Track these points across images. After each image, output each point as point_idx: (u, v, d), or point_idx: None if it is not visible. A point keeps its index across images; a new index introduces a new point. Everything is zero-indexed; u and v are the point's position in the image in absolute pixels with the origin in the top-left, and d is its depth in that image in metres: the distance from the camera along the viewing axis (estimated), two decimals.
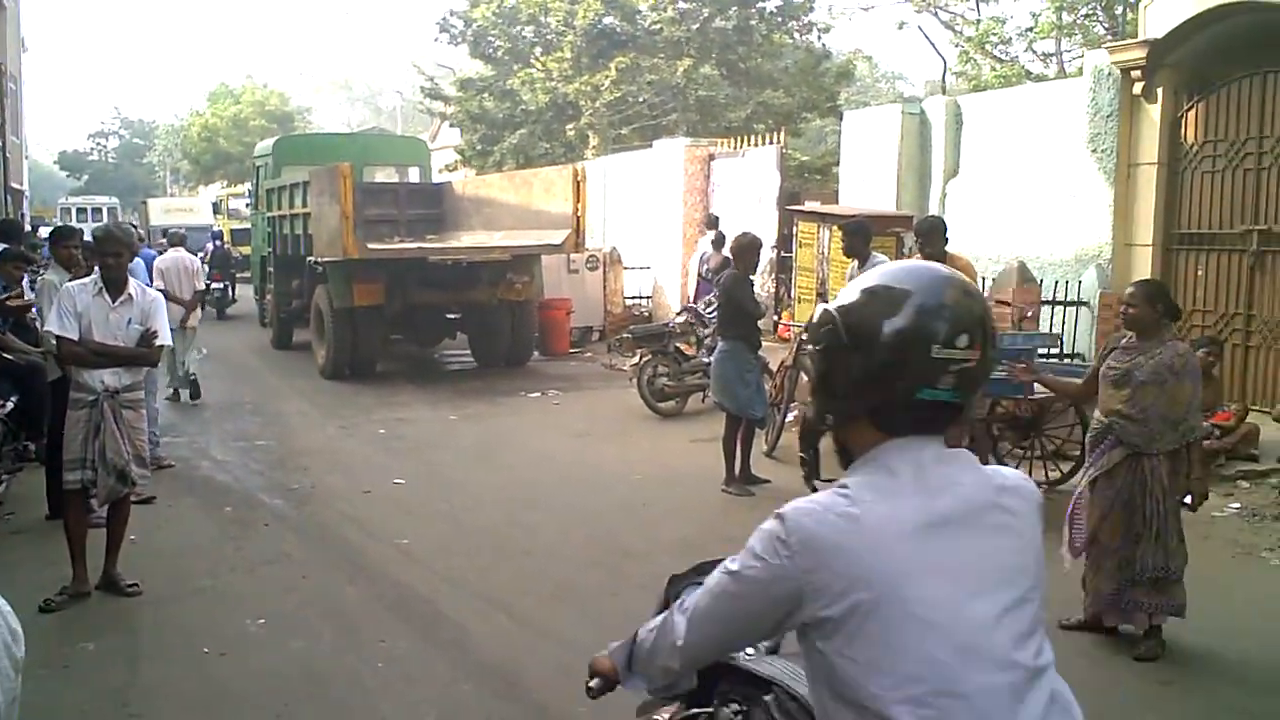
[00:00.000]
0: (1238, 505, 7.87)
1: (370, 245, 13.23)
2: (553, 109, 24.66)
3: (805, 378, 9.61)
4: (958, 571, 1.78)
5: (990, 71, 26.11)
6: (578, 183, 13.37)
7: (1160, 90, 10.43)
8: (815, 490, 9.17)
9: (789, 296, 11.98)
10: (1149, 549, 5.23)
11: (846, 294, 1.94)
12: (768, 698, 2.28)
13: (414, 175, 18.84)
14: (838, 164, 15.63)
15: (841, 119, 16.48)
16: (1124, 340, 5.43)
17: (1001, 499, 1.87)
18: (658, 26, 23.72)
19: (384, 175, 18.93)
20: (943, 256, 7.98)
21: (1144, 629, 5.35)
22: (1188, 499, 5.19)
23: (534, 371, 14.87)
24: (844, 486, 1.85)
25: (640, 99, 24.02)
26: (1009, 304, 9.90)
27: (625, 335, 12.10)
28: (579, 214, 13.35)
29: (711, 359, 8.91)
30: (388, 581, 6.42)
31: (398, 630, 5.66)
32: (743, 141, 16.95)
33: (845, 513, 1.80)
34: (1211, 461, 8.45)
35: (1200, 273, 10.25)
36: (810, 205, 14.36)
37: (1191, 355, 5.29)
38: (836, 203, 14.62)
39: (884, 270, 1.92)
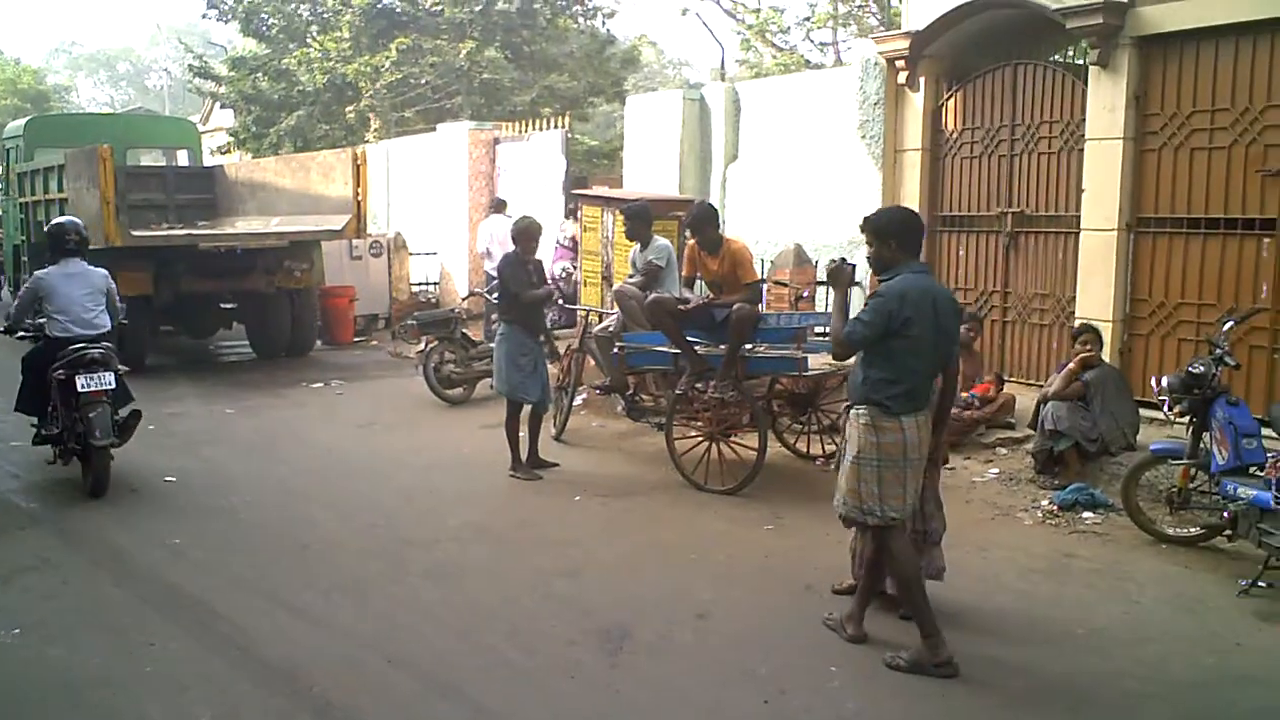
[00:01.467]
0: (996, 470, 8.39)
1: (135, 232, 12.52)
2: (331, 90, 23.90)
3: (592, 360, 9.68)
4: None
5: (771, 60, 26.91)
6: (358, 166, 13.01)
7: (922, 80, 10.95)
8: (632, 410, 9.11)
9: (577, 280, 12.04)
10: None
11: None
12: None
13: (183, 158, 17.94)
14: (624, 149, 15.75)
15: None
16: None
17: None
18: (439, 8, 23.31)
19: (150, 158, 17.92)
20: (718, 243, 8.17)
21: (843, 586, 5.66)
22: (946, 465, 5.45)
23: (316, 362, 14.43)
24: None
25: (423, 81, 23.58)
26: (786, 285, 10.24)
27: (410, 322, 11.88)
28: (360, 198, 13.00)
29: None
30: (158, 583, 6.11)
31: (168, 632, 5.39)
32: (528, 126, 16.89)
33: None
34: (973, 430, 9.00)
35: (961, 252, 10.83)
36: (598, 190, 14.44)
37: None
38: (623, 187, 14.75)
39: None
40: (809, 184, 12.15)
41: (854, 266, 5.46)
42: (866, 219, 5.27)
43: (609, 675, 4.94)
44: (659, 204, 10.52)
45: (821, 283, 11.14)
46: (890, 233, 5.12)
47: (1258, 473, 6.17)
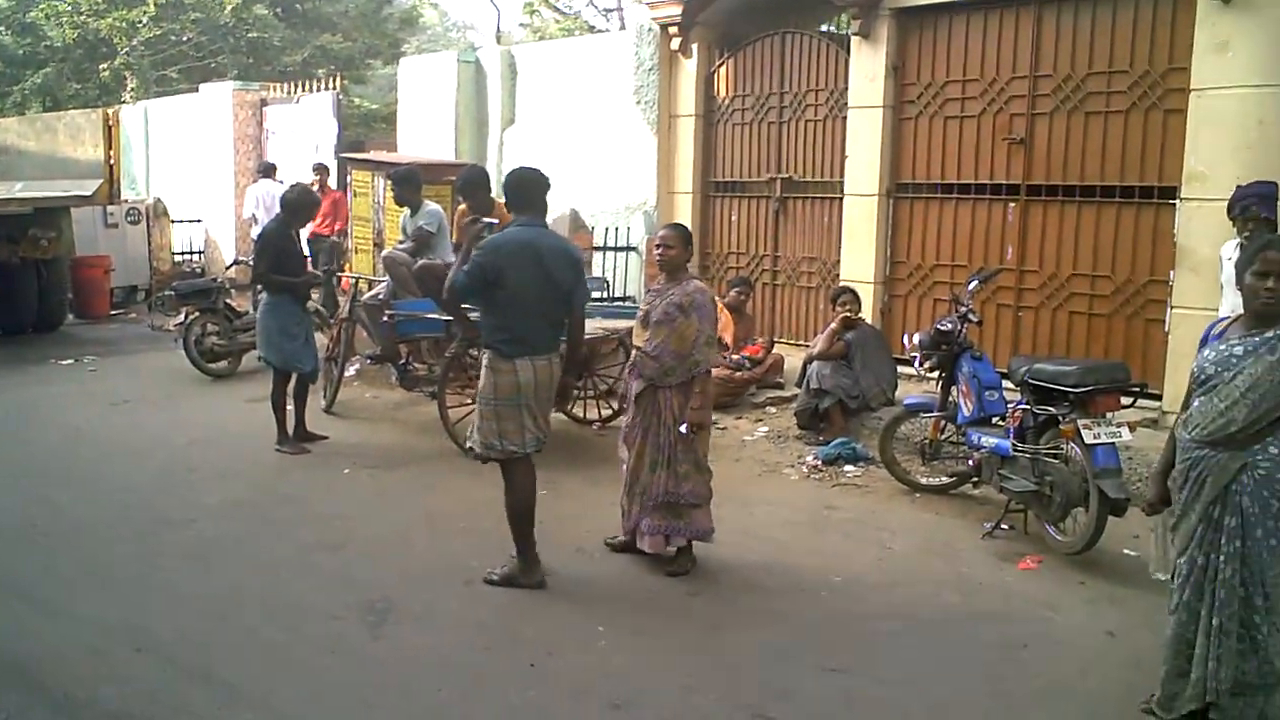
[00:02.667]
0: (766, 429, 8.61)
1: None
2: (83, 46, 22.31)
3: (363, 329, 9.39)
4: None
5: (554, 25, 26.74)
6: (109, 127, 12.22)
7: (695, 47, 11.07)
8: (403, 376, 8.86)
9: (348, 246, 11.66)
10: (661, 476, 5.61)
11: None
12: None
13: None
14: (399, 112, 15.32)
15: None
16: (656, 284, 5.77)
17: None
18: None
19: None
20: (490, 206, 8.03)
21: (660, 550, 5.73)
22: (683, 428, 5.52)
23: (68, 337, 13.48)
24: None
25: (184, 38, 22.32)
26: None
27: (168, 293, 11.24)
28: (112, 162, 12.21)
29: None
30: None
31: None
32: (299, 87, 16.22)
33: None
34: (744, 391, 9.21)
35: (734, 217, 11.05)
36: (369, 155, 13.99)
37: (701, 293, 5.59)
38: (398, 152, 14.36)
39: None
40: (586, 149, 12.13)
41: (488, 224, 6.02)
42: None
43: (372, 648, 4.81)
44: (431, 169, 10.28)
45: (598, 248, 11.18)
46: (504, 190, 5.59)
47: (999, 423, 6.53)
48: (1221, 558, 3.84)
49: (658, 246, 5.71)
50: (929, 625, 5.11)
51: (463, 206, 8.19)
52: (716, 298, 5.78)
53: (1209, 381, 3.86)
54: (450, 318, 7.95)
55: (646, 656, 4.75)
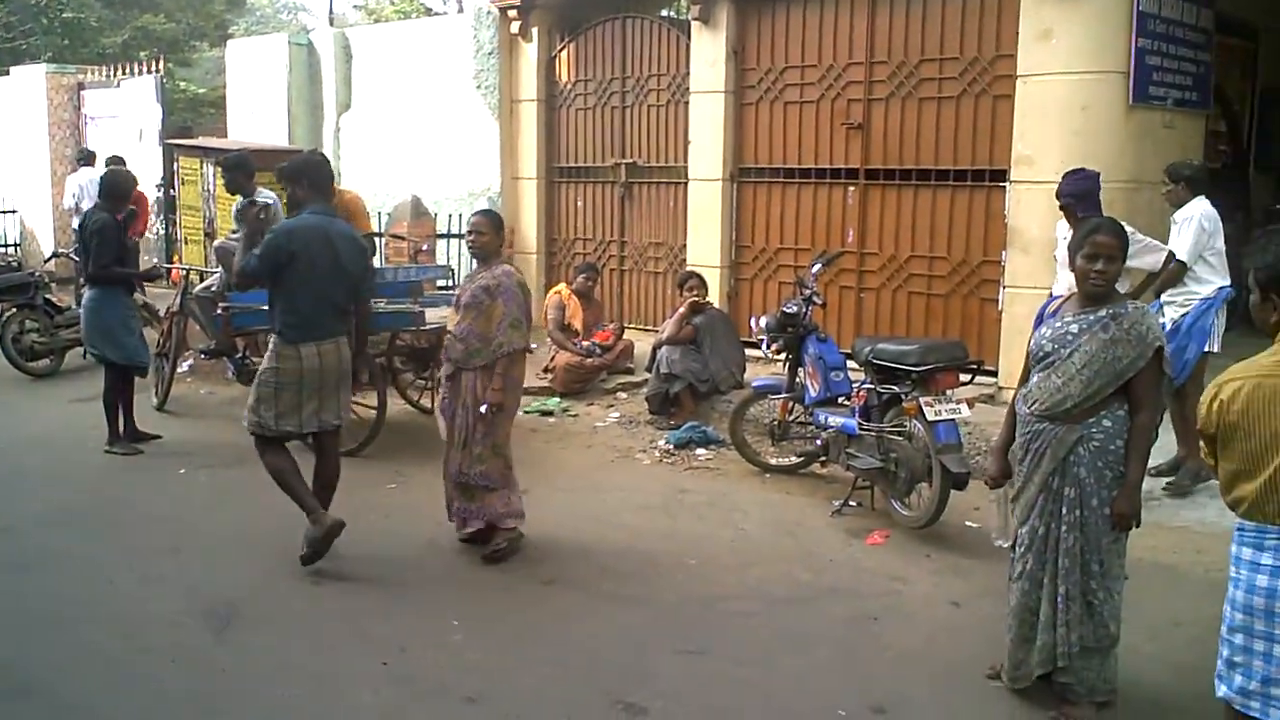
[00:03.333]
0: (617, 415, 8.60)
1: None
2: None
3: (196, 324, 8.99)
4: None
5: (390, 7, 26.14)
6: None
7: (535, 30, 10.96)
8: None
9: (177, 237, 11.14)
10: (460, 456, 5.61)
11: None
12: None
13: None
14: (228, 97, 14.73)
15: None
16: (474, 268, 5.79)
17: None
18: None
19: None
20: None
21: (465, 534, 5.78)
22: (483, 408, 5.52)
23: None
24: None
25: None
26: (404, 238, 9.97)
27: None
28: None
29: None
30: None
31: None
32: (119, 71, 15.42)
33: None
34: (594, 377, 9.17)
35: (580, 203, 10.99)
36: (197, 140, 13.42)
37: (507, 276, 5.58)
38: (228, 137, 13.81)
39: None
40: (426, 135, 11.89)
41: (265, 205, 6.22)
42: (279, 167, 5.81)
43: (214, 653, 4.60)
44: (264, 154, 9.90)
45: (441, 235, 10.97)
46: (297, 176, 5.59)
47: (845, 402, 6.67)
48: (1063, 527, 3.98)
49: (469, 233, 5.71)
50: (783, 603, 5.17)
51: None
52: (524, 281, 5.70)
53: (1047, 358, 3.99)
54: None
55: (503, 648, 4.67)
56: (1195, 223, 6.42)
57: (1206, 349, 6.36)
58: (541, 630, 4.84)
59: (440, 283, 9.86)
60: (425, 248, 10.24)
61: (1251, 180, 10.59)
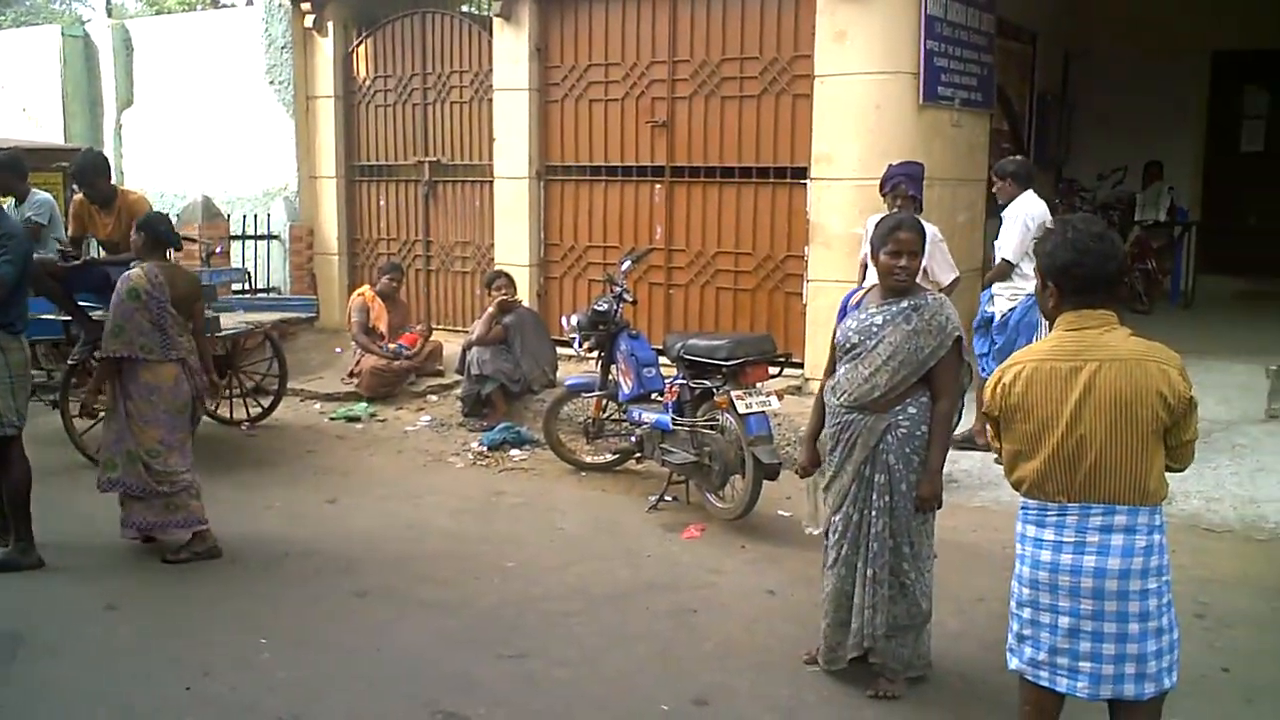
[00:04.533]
0: (429, 418, 8.42)
1: None
2: None
3: None
4: None
5: None
6: None
7: (331, 24, 10.62)
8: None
9: None
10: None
11: None
12: None
13: None
14: None
15: None
16: None
17: None
18: None
19: None
20: (112, 196, 7.32)
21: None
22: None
23: None
24: None
25: None
26: (196, 240, 9.50)
27: None
28: None
29: None
30: None
31: None
32: None
33: None
34: (403, 380, 8.96)
35: (382, 202, 10.71)
36: None
37: (123, 281, 5.49)
38: None
39: None
40: (217, 132, 11.37)
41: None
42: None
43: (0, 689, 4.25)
44: (37, 153, 9.28)
45: (236, 237, 10.51)
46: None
47: (658, 398, 6.70)
48: (874, 513, 4.10)
49: None
50: (603, 601, 5.14)
51: (79, 196, 7.40)
52: (140, 287, 5.48)
53: (854, 350, 4.09)
54: (69, 318, 7.22)
55: (316, 664, 4.47)
56: (1020, 221, 6.78)
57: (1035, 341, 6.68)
58: (355, 644, 4.66)
59: (235, 286, 9.46)
60: (219, 250, 9.77)
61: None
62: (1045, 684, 3.08)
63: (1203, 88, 13.02)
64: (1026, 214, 6.82)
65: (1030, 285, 6.74)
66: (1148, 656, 2.98)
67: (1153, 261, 11.54)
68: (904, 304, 4.04)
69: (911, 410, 4.04)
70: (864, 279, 6.66)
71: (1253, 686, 4.37)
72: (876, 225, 4.22)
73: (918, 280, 4.19)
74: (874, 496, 4.09)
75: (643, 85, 8.90)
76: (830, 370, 4.29)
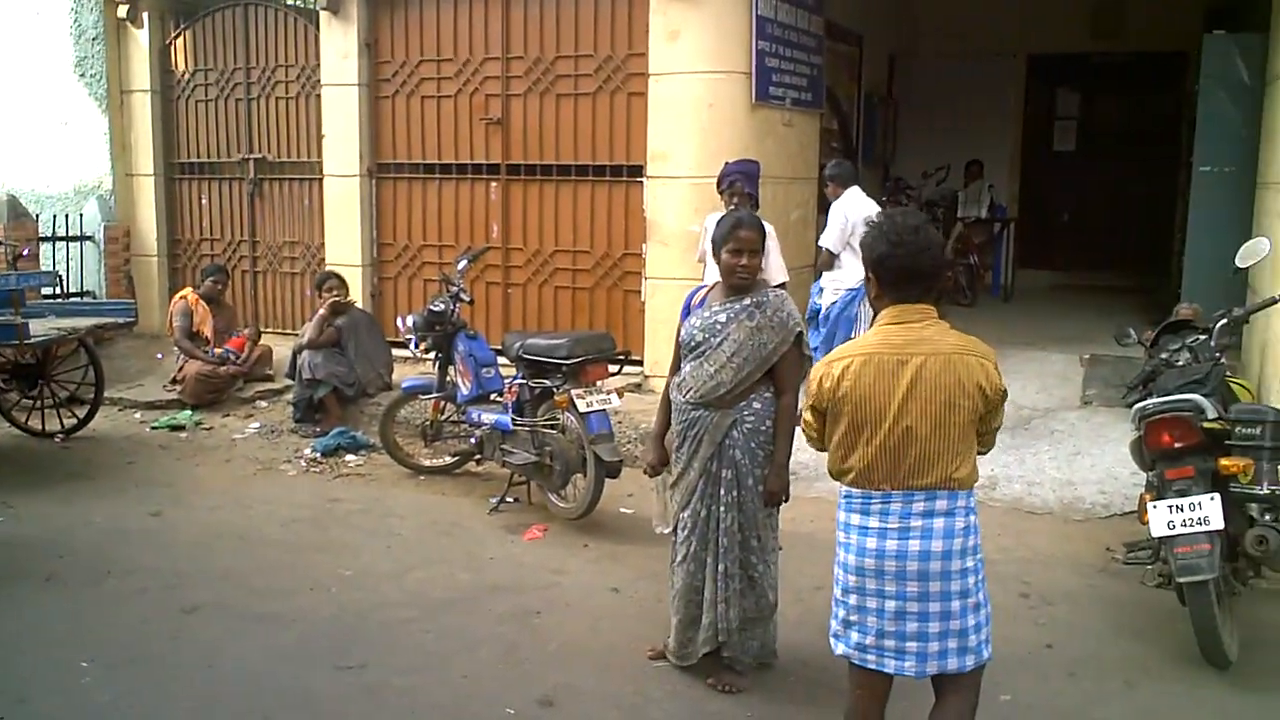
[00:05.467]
0: (258, 425, 8.14)
1: None
2: None
3: None
4: None
5: None
6: None
7: (146, 15, 10.14)
8: None
9: None
10: None
11: None
12: None
13: None
14: None
15: None
16: None
17: None
18: None
19: None
20: None
21: None
22: None
23: None
24: None
25: None
26: (1, 242, 8.94)
27: None
28: None
29: None
30: None
31: None
32: None
33: None
34: (230, 386, 8.62)
35: (205, 201, 10.29)
36: None
37: None
38: None
39: None
40: (21, 127, 10.71)
41: None
42: None
43: None
44: None
45: (46, 238, 9.94)
46: None
47: (498, 399, 6.62)
48: (722, 508, 4.14)
49: None
50: (444, 606, 5.04)
51: None
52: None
53: (699, 347, 4.12)
54: None
55: (142, 685, 4.25)
56: (840, 214, 7.03)
57: (853, 335, 6.85)
58: (185, 662, 4.45)
59: (46, 290, 8.94)
60: (25, 252, 9.20)
61: (861, 175, 11.54)
62: (874, 666, 3.14)
63: (1019, 89, 13.67)
64: (846, 208, 7.08)
65: (849, 280, 7.02)
66: (969, 631, 3.07)
67: (975, 256, 12.05)
68: (746, 301, 4.09)
69: (756, 405, 4.09)
70: (705, 276, 6.73)
71: (1075, 660, 4.57)
72: (718, 224, 4.26)
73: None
74: (722, 492, 4.12)
75: (476, 82, 8.78)
76: (675, 368, 4.31)
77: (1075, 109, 14.03)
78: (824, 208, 8.19)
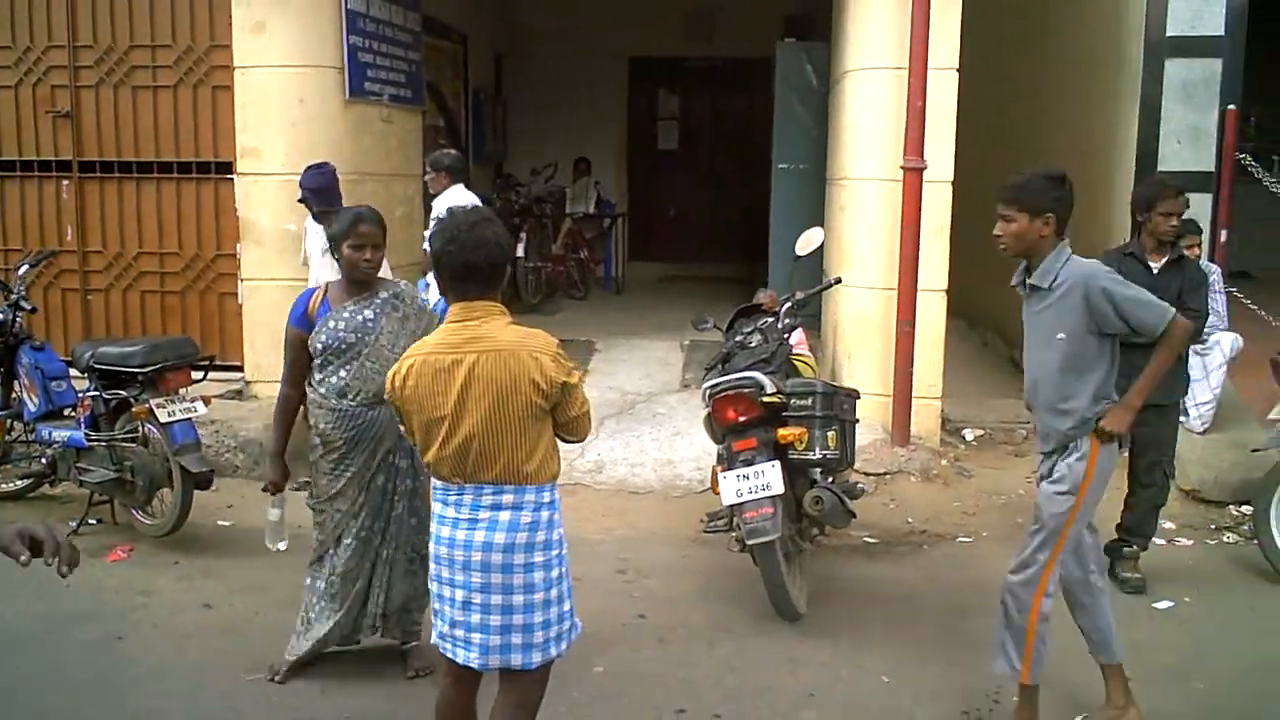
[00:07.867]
0: None
1: None
2: None
3: None
4: None
5: None
6: None
7: None
8: None
9: None
10: None
11: None
12: None
13: None
14: None
15: None
16: None
17: None
18: None
19: None
20: None
21: None
22: None
23: None
24: None
25: None
26: None
27: None
28: None
29: None
30: None
31: None
32: None
33: None
34: None
35: None
36: None
37: None
38: None
39: None
40: None
41: None
42: None
43: None
44: None
45: None
46: None
47: (71, 414, 6.13)
48: (396, 497, 4.23)
49: None
50: (20, 639, 4.65)
51: None
52: None
53: (351, 349, 4.12)
54: None
55: None
56: (444, 209, 6.97)
57: None
58: None
59: None
60: None
61: (470, 173, 11.63)
62: (449, 655, 3.17)
63: (622, 90, 14.28)
64: (450, 204, 7.05)
65: None
66: (534, 628, 3.10)
67: (585, 251, 12.46)
68: (385, 295, 4.18)
69: None
70: (311, 278, 6.56)
71: (665, 627, 4.85)
72: (337, 218, 4.27)
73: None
74: (396, 482, 4.22)
75: (39, 72, 8.02)
76: (295, 380, 4.23)
77: (675, 109, 14.85)
78: (429, 204, 8.17)
